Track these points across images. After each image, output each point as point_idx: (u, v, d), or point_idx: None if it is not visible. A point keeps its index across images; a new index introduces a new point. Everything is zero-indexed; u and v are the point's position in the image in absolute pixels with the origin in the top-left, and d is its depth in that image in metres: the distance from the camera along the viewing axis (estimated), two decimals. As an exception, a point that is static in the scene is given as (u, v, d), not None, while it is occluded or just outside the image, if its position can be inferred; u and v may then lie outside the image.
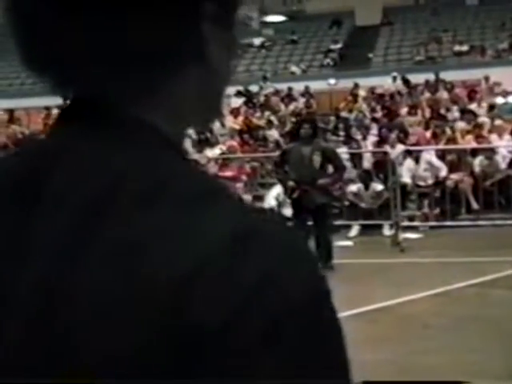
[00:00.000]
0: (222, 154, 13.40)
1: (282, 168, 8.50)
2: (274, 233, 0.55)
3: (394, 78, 19.28)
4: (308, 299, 0.54)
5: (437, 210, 11.22)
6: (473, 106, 15.30)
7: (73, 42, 0.58)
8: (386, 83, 19.15)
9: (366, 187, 11.20)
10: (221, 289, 0.51)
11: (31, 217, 0.57)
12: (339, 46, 25.18)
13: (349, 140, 13.41)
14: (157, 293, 0.51)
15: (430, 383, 3.99)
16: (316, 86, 20.74)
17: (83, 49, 0.58)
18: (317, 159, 7.96)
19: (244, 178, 12.74)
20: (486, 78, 17.48)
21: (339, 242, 9.88)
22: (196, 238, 0.53)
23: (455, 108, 15.41)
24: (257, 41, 25.59)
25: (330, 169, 8.31)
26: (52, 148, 0.60)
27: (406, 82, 18.67)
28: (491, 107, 15.09)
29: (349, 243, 10.05)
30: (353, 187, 11.35)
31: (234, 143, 14.21)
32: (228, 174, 12.37)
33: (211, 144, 14.63)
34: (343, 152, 12.48)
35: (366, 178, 11.29)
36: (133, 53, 0.59)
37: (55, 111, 20.28)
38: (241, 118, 16.85)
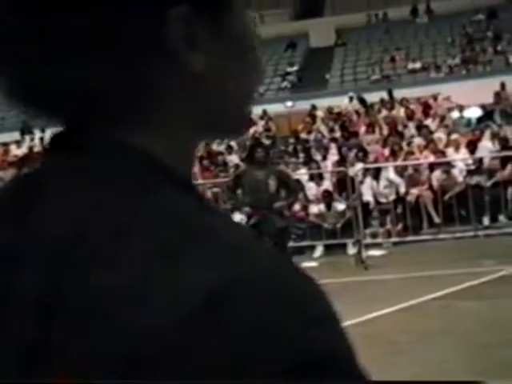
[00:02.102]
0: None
1: (235, 193, 8.50)
2: (257, 292, 0.48)
3: (351, 98, 19.53)
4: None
5: (399, 226, 11.34)
6: (428, 122, 15.57)
7: (31, 51, 0.56)
8: (343, 103, 19.40)
9: (328, 207, 11.28)
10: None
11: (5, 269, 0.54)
12: (295, 68, 25.49)
13: (308, 161, 13.51)
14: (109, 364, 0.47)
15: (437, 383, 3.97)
16: (274, 109, 20.90)
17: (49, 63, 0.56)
18: (272, 183, 7.97)
19: (206, 204, 12.70)
20: (435, 97, 17.83)
21: (304, 264, 9.90)
22: (156, 305, 0.47)
23: (411, 124, 15.66)
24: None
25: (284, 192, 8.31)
26: (27, 185, 0.57)
27: (362, 101, 18.93)
28: (442, 119, 15.42)
29: (313, 264, 10.06)
30: (315, 208, 11.42)
31: (195, 170, 14.20)
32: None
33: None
34: (303, 173, 12.60)
35: (327, 198, 11.36)
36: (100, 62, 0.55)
37: (13, 147, 20.09)
38: (200, 145, 16.87)
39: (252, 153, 8.44)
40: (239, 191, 8.34)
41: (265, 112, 20.53)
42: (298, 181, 11.79)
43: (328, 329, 0.49)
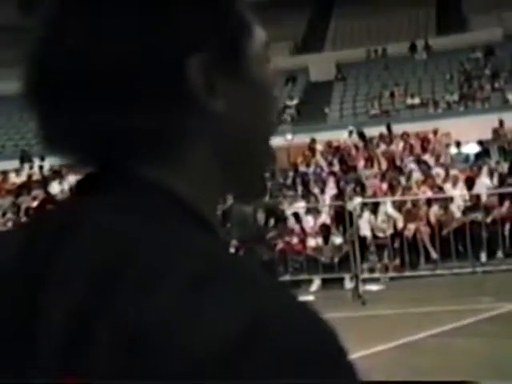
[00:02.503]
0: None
1: (224, 227, 8.30)
2: (285, 328, 0.51)
3: (351, 133, 19.56)
4: None
5: (396, 261, 11.30)
6: (426, 157, 15.62)
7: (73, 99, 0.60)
8: (342, 137, 19.44)
9: (326, 241, 11.25)
10: None
11: (40, 291, 0.56)
12: (295, 101, 25.63)
13: (307, 194, 13.51)
14: None
15: (431, 383, 3.94)
16: (274, 141, 20.86)
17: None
18: (261, 216, 7.84)
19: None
20: (435, 132, 17.90)
21: (300, 298, 9.89)
22: (197, 333, 0.50)
23: (410, 159, 15.70)
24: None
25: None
26: (65, 219, 0.60)
27: (361, 136, 18.99)
28: (440, 154, 15.48)
29: (310, 298, 9.99)
30: (312, 241, 11.39)
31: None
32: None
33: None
34: (301, 207, 12.59)
35: (324, 231, 11.34)
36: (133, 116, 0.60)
37: (12, 175, 20.12)
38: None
39: None
40: (228, 225, 8.21)
41: (264, 144, 20.56)
42: (296, 215, 11.81)
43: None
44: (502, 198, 11.80)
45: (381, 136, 18.43)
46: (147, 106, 0.59)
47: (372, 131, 18.92)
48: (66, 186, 15.72)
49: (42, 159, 19.23)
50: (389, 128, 18.79)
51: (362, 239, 11.17)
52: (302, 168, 17.52)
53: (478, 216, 11.44)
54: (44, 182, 17.62)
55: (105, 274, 0.54)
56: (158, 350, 0.49)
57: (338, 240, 11.29)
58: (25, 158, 20.93)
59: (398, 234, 11.49)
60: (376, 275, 11.05)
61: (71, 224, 0.58)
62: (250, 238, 7.74)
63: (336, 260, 11.12)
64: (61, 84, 0.60)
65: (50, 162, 18.37)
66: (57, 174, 17.37)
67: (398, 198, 12.36)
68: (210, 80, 0.61)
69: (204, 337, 0.49)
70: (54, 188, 16.53)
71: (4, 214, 15.14)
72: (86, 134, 0.61)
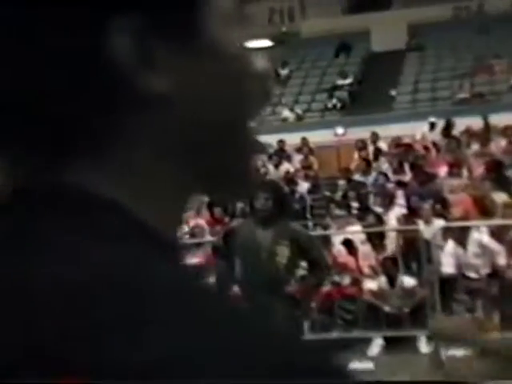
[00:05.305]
0: (189, 233, 13.37)
1: (223, 258, 7.13)
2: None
3: (432, 125, 19.46)
4: None
5: (495, 314, 11.17)
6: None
7: None
8: (417, 132, 19.36)
9: (392, 282, 11.22)
10: None
11: None
12: (349, 80, 25.75)
13: (365, 214, 13.53)
14: None
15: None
16: (317, 137, 21.01)
17: None
18: (283, 252, 6.60)
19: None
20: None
21: (354, 364, 9.82)
22: None
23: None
24: (233, 76, 26.15)
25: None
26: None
27: (446, 129, 18.87)
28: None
29: (368, 365, 10.01)
30: (371, 283, 11.39)
31: (201, 221, 14.22)
32: (195, 260, 12.24)
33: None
34: (357, 231, 12.51)
35: (390, 268, 11.30)
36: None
37: None
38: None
39: (250, 200, 7.04)
40: (225, 262, 7.01)
41: (304, 141, 20.58)
42: (349, 243, 11.69)
43: None
44: None
45: (471, 131, 18.32)
46: (61, 97, 0.64)
47: (459, 124, 18.84)
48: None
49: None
50: (485, 120, 18.65)
51: (445, 281, 11.14)
52: (358, 176, 17.57)
53: None
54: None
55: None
56: None
57: (409, 281, 11.27)
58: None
59: (497, 274, 11.39)
60: (464, 334, 10.95)
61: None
62: (260, 284, 6.42)
63: (406, 310, 11.10)
64: None
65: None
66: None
67: (497, 221, 12.25)
68: (146, 51, 0.65)
69: None
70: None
71: None
72: (6, 137, 0.67)
